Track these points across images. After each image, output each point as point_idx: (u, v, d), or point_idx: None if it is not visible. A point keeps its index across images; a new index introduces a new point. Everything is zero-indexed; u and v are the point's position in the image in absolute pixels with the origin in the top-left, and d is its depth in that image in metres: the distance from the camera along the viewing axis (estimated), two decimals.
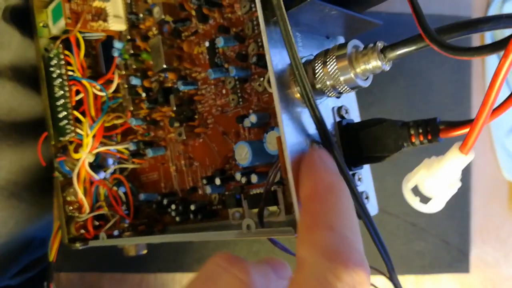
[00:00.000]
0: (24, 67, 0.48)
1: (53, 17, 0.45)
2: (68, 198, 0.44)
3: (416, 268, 0.50)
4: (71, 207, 0.44)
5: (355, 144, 0.26)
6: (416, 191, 0.22)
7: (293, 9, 0.22)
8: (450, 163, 0.20)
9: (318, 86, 0.24)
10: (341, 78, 0.23)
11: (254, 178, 0.31)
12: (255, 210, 0.32)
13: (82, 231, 0.43)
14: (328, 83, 0.23)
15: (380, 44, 0.22)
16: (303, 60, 0.25)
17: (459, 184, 0.21)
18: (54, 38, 0.46)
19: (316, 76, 0.23)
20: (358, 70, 0.22)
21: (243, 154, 0.30)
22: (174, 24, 0.36)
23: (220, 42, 0.32)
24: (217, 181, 0.33)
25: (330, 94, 0.24)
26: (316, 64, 0.23)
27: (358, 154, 0.26)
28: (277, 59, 0.24)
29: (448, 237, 0.50)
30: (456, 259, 0.51)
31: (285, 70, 0.24)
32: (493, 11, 0.55)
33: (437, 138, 0.23)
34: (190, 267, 0.53)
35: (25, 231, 0.48)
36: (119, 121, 0.43)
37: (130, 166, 0.44)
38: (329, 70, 0.23)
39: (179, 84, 0.36)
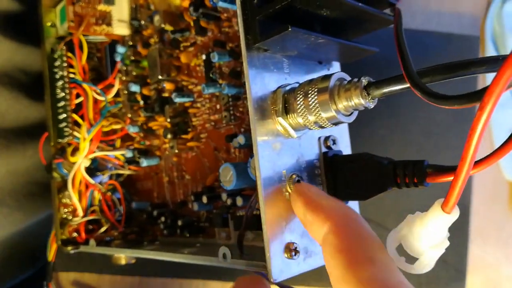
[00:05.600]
0: (10, 71, 0.48)
1: (60, 17, 0.45)
2: (64, 200, 0.44)
3: (413, 285, 0.49)
4: (66, 210, 0.44)
5: (340, 178, 0.24)
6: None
7: (275, 37, 0.21)
8: (432, 223, 0.18)
9: (299, 119, 0.22)
10: (322, 113, 0.21)
11: (239, 201, 0.30)
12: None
13: (75, 234, 0.43)
14: (309, 117, 0.22)
15: (364, 81, 0.20)
16: (288, 88, 0.23)
17: (446, 244, 0.19)
18: (60, 38, 0.46)
19: (297, 107, 0.22)
20: (339, 105, 0.21)
21: (227, 176, 0.28)
22: (173, 34, 0.35)
23: (214, 57, 0.31)
24: (204, 199, 0.33)
25: (313, 128, 0.23)
26: (298, 95, 0.22)
27: (342, 189, 0.24)
28: (258, 86, 0.23)
29: (447, 256, 0.48)
30: (454, 278, 0.49)
31: (266, 98, 0.23)
32: (493, 11, 0.52)
33: (423, 183, 0.21)
34: (187, 274, 0.53)
35: (11, 235, 0.49)
36: (118, 127, 0.43)
37: (126, 172, 0.43)
38: (309, 102, 0.21)
39: (174, 96, 0.35)
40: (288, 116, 0.23)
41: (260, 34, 0.22)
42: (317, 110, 0.21)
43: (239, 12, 0.22)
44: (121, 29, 0.41)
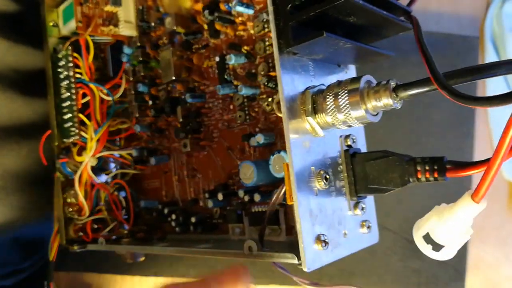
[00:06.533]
0: (3, 71, 0.48)
1: (63, 17, 0.45)
2: (68, 200, 0.44)
3: (412, 285, 0.50)
4: (70, 209, 0.44)
5: (360, 174, 0.26)
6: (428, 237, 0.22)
7: (308, 42, 0.22)
8: (461, 212, 0.20)
9: (328, 119, 0.24)
10: (352, 113, 0.23)
11: (257, 197, 0.31)
12: (256, 228, 0.33)
13: (81, 233, 0.43)
14: (338, 116, 0.23)
15: (392, 83, 0.22)
16: (315, 90, 0.25)
17: (471, 232, 0.21)
18: (63, 38, 0.46)
19: (327, 107, 0.24)
20: (369, 106, 0.23)
21: (248, 173, 0.30)
22: (186, 36, 0.36)
23: (231, 59, 0.32)
24: (220, 196, 0.34)
25: (339, 127, 0.24)
26: (328, 96, 0.24)
27: (363, 184, 0.26)
28: (289, 87, 0.24)
29: None
30: (453, 278, 0.51)
31: (296, 98, 0.25)
32: (493, 11, 0.54)
33: (444, 177, 0.23)
34: (185, 272, 0.53)
35: (7, 233, 0.48)
36: (124, 126, 0.43)
37: (132, 171, 0.44)
38: (340, 103, 0.23)
39: (187, 97, 0.36)
40: (317, 115, 0.24)
41: (293, 39, 0.23)
42: (348, 110, 0.23)
43: (271, 18, 0.24)
44: (127, 30, 0.42)
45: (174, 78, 0.36)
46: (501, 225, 0.55)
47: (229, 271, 0.30)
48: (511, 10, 0.53)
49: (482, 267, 0.53)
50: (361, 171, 0.26)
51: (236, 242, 0.34)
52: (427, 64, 0.21)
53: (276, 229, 0.31)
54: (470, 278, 0.52)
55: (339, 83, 0.24)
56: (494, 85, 0.50)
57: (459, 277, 0.51)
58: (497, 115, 0.50)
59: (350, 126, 0.24)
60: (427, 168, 0.23)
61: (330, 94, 0.24)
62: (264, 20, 0.31)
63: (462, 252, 0.52)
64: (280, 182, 0.29)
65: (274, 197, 0.28)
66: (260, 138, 0.30)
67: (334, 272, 0.45)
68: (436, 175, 0.23)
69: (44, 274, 0.49)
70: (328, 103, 0.24)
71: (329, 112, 0.23)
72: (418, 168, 0.24)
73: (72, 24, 0.44)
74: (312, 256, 0.23)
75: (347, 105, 0.23)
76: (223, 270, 0.31)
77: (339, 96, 0.23)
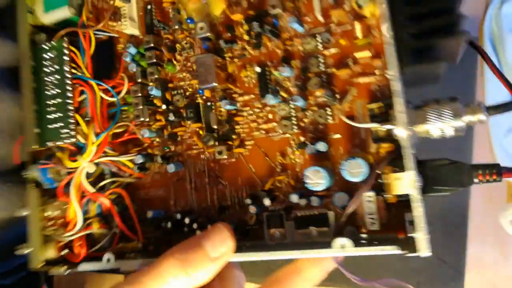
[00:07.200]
0: None
1: (44, 4, 0.40)
2: (48, 213, 0.38)
3: (412, 285, 0.54)
4: (49, 223, 0.38)
5: (424, 178, 0.32)
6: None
7: (425, 65, 0.27)
8: None
9: (429, 129, 0.29)
10: (453, 125, 0.28)
11: (315, 201, 0.34)
12: (299, 231, 0.35)
13: (66, 250, 0.38)
14: (440, 126, 0.28)
15: (483, 104, 0.28)
16: (412, 106, 0.29)
17: None
18: (38, 27, 0.40)
19: (429, 120, 0.28)
20: (466, 120, 0.28)
21: (316, 178, 0.32)
22: (225, 44, 0.37)
23: (284, 71, 0.34)
24: (267, 202, 0.35)
25: (434, 135, 0.29)
26: (430, 111, 0.28)
27: (430, 185, 0.31)
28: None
29: (445, 256, 0.52)
30: (452, 278, 0.52)
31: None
32: (491, 12, 0.56)
33: (500, 178, 0.30)
34: None
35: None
36: (119, 130, 0.40)
37: (127, 180, 0.40)
38: (443, 118, 0.28)
39: (223, 103, 0.36)
40: (416, 126, 0.29)
41: (410, 62, 0.27)
42: (449, 123, 0.28)
43: (392, 42, 0.27)
44: (131, 28, 0.39)
45: (215, 84, 0.36)
46: (500, 225, 0.55)
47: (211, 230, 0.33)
48: (509, 11, 0.54)
49: (481, 267, 0.54)
50: (428, 175, 0.31)
51: (273, 246, 0.35)
52: (509, 88, 0.28)
53: (326, 231, 0.34)
54: (469, 277, 0.52)
55: (437, 101, 0.29)
56: (494, 92, 0.55)
57: (458, 277, 0.52)
58: (495, 117, 0.57)
59: (444, 136, 0.29)
60: (487, 172, 0.30)
61: (433, 110, 0.29)
62: (322, 40, 0.34)
63: (462, 252, 0.53)
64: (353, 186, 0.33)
65: (353, 202, 0.31)
66: (321, 146, 0.33)
67: (335, 271, 0.48)
68: (494, 177, 0.30)
69: (44, 273, 0.42)
70: (430, 117, 0.28)
71: (432, 123, 0.28)
72: (480, 172, 0.30)
73: (59, 13, 0.39)
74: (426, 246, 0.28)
75: (450, 120, 0.28)
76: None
77: (443, 113, 0.28)
